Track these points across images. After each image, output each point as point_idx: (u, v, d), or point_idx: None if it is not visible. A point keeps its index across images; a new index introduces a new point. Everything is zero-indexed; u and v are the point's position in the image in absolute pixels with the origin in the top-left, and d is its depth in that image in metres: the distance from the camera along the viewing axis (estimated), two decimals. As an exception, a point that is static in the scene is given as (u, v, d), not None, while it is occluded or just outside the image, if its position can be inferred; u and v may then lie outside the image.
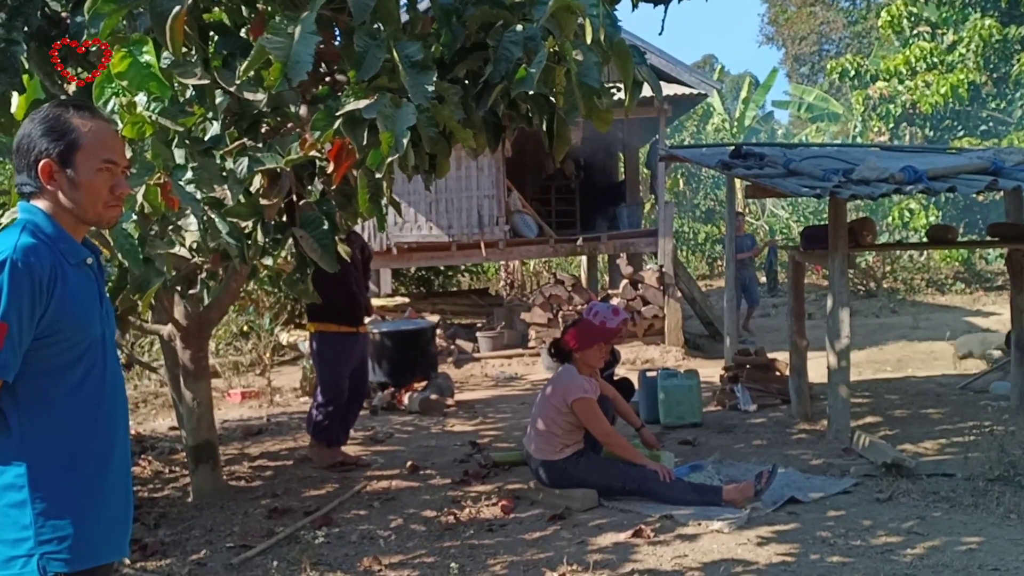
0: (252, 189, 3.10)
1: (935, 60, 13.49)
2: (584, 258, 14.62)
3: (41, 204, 1.90)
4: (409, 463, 5.65)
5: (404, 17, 3.56)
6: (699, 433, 6.16)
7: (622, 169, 14.49)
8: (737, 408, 6.82)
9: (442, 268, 15.06)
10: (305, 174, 3.12)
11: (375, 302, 12.20)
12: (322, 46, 3.73)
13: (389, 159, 2.64)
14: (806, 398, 6.34)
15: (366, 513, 4.74)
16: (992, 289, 13.60)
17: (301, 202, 3.13)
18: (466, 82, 3.44)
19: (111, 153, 1.92)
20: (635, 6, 4.93)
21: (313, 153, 2.95)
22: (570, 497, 4.57)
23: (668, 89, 10.88)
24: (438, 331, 11.44)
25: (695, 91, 11.06)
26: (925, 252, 14.05)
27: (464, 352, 11.06)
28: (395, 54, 2.74)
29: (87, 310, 1.90)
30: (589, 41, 3.09)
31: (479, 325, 12.13)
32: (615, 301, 10.79)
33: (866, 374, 8.05)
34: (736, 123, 21.54)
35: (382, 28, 3.05)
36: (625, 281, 11.11)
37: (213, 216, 2.89)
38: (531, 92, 3.37)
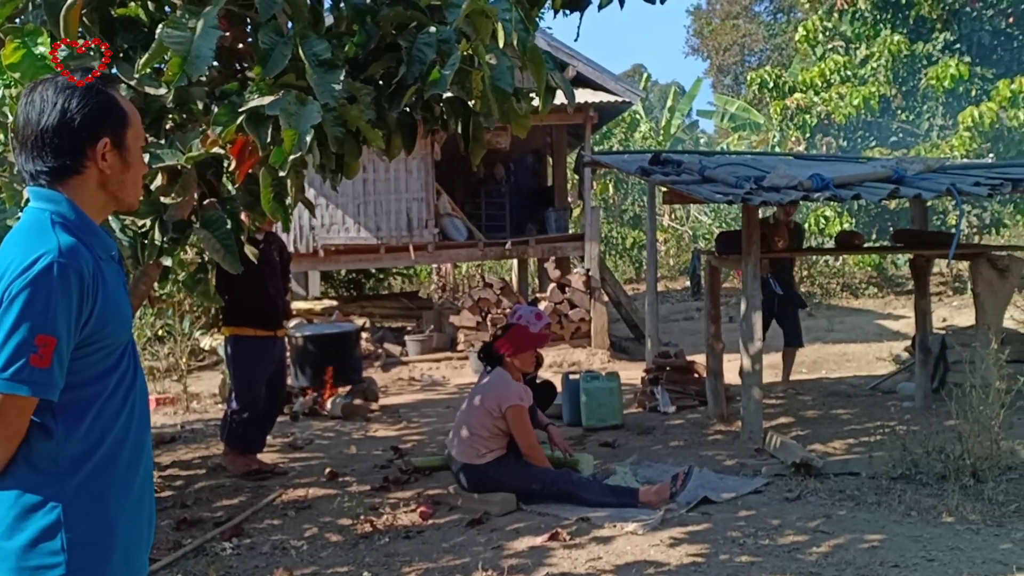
0: (153, 187, 3.00)
1: (848, 73, 13.94)
2: (515, 261, 14.66)
3: (67, 190, 1.70)
4: (328, 470, 5.56)
5: (329, 18, 3.51)
6: (620, 435, 6.22)
7: (552, 174, 14.58)
8: (657, 410, 6.91)
9: (373, 271, 14.90)
10: (209, 172, 3.04)
11: (302, 305, 12.06)
12: (240, 45, 3.66)
13: (292, 157, 2.58)
14: (722, 399, 6.47)
15: (280, 523, 4.64)
16: (902, 293, 14.12)
17: (205, 201, 3.06)
18: (380, 83, 3.41)
19: (142, 131, 1.81)
20: (556, 12, 4.97)
21: (216, 150, 2.87)
22: (489, 502, 4.56)
23: (594, 97, 10.99)
24: (366, 334, 11.34)
25: (620, 99, 11.18)
26: (840, 257, 14.51)
27: (392, 356, 10.97)
28: (301, 52, 2.69)
29: (125, 310, 1.75)
30: (502, 45, 3.09)
31: (408, 328, 12.05)
32: (543, 305, 10.85)
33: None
34: (663, 131, 21.88)
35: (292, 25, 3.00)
36: (553, 285, 11.18)
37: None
38: (445, 95, 3.36)
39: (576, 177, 14.61)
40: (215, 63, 3.60)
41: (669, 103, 22.37)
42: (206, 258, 3.43)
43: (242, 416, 5.59)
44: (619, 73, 14.58)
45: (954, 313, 11.57)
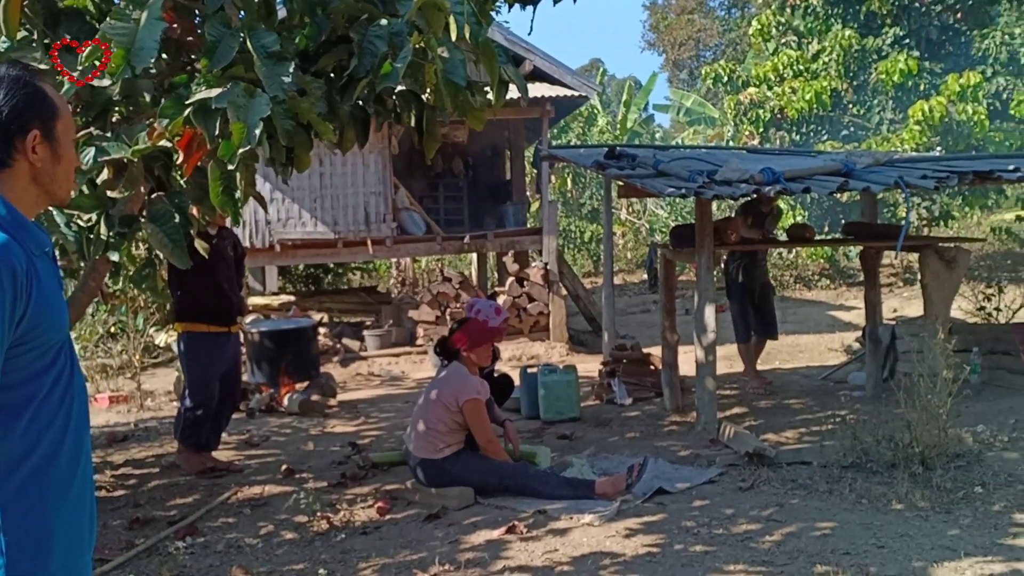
0: (99, 181, 2.94)
1: (801, 68, 14.17)
2: (474, 256, 14.66)
3: None
4: (284, 467, 5.51)
5: (283, 11, 3.46)
6: (577, 427, 6.25)
7: (510, 168, 14.59)
8: (614, 402, 6.96)
9: (331, 265, 14.79)
10: (157, 165, 2.99)
11: (258, 300, 11.92)
12: (190, 38, 3.60)
13: (241, 151, 2.55)
14: (677, 391, 6.53)
15: (235, 521, 4.59)
16: (854, 285, 14.37)
17: (153, 195, 3.01)
18: (331, 75, 3.37)
19: (73, 123, 1.76)
20: (511, 6, 4.96)
21: (164, 143, 2.82)
22: (447, 496, 4.56)
23: (551, 91, 11.01)
24: (324, 330, 11.25)
25: (577, 93, 11.22)
26: (794, 250, 14.73)
27: (350, 351, 10.90)
28: (249, 44, 2.65)
29: (60, 307, 1.69)
30: (454, 38, 3.07)
31: (367, 323, 11.98)
32: (501, 299, 10.86)
33: (737, 367, 8.34)
34: (620, 126, 22.02)
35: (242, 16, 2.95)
36: (511, 279, 11.20)
37: (51, 208, 2.73)
38: (398, 88, 3.33)
39: (535, 171, 14.64)
40: (164, 55, 3.54)
41: (625, 98, 22.51)
42: (154, 253, 3.37)
43: (196, 414, 5.52)
44: (577, 68, 14.67)
45: (904, 304, 11.80)
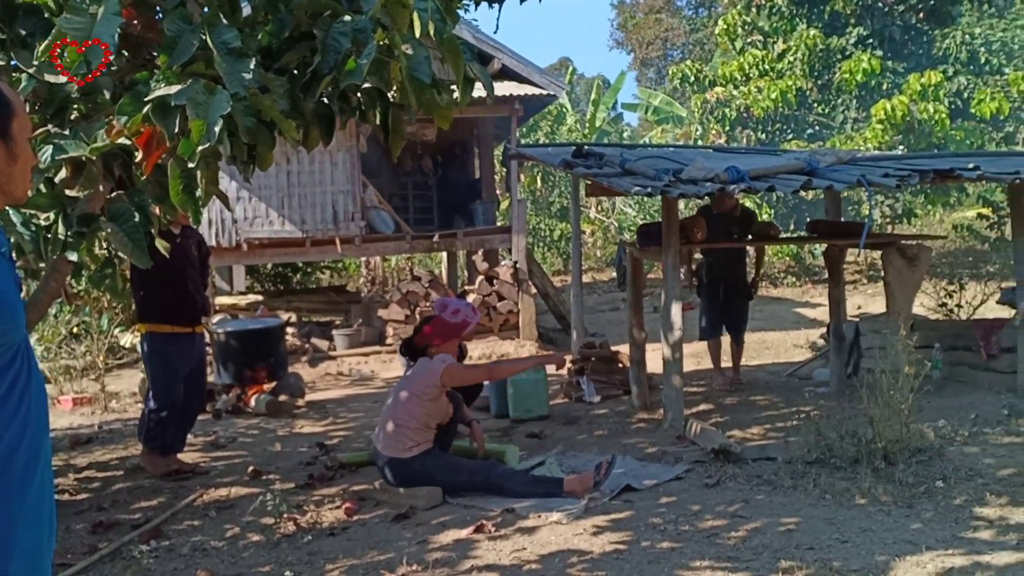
0: (57, 179, 2.89)
1: (767, 67, 14.32)
2: (445, 254, 14.63)
3: None
4: (251, 468, 5.46)
5: (247, 9, 3.42)
6: (546, 425, 6.26)
7: (479, 167, 14.58)
8: (582, 400, 6.99)
9: (300, 264, 14.68)
10: (117, 163, 2.94)
11: (226, 300, 11.82)
12: (151, 34, 3.54)
13: (201, 148, 2.52)
14: (645, 388, 6.56)
15: (200, 523, 4.53)
16: (819, 282, 14.55)
17: (113, 193, 2.96)
18: (295, 72, 3.34)
19: (29, 121, 1.73)
20: (478, 4, 4.95)
21: (123, 140, 2.78)
22: (415, 496, 4.54)
23: (520, 89, 11.02)
24: (292, 329, 11.16)
25: (546, 92, 11.23)
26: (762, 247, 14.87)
27: (319, 350, 10.83)
28: (209, 40, 2.62)
29: (16, 307, 1.66)
30: (418, 35, 3.06)
31: (336, 323, 11.91)
32: (471, 297, 10.85)
33: (704, 364, 8.41)
34: (588, 124, 22.09)
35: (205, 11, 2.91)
36: (481, 277, 11.19)
37: (7, 207, 2.67)
38: (364, 85, 3.31)
39: (504, 170, 14.65)
40: (124, 52, 3.48)
41: (594, 96, 22.60)
42: (114, 253, 3.32)
43: (160, 415, 5.45)
44: (546, 66, 14.68)
45: (868, 301, 11.97)
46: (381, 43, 3.17)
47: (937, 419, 5.33)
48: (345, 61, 3.04)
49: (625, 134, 25.52)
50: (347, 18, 3.07)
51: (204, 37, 2.74)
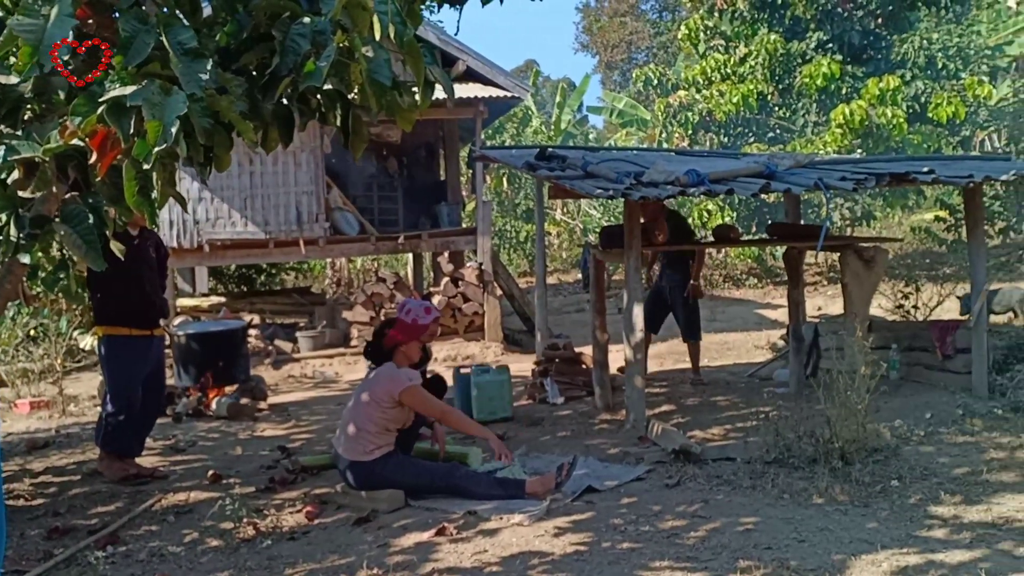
0: (9, 180, 2.83)
1: (728, 71, 14.47)
2: (411, 256, 14.59)
3: None
4: (210, 472, 5.41)
5: (208, 10, 3.39)
6: (510, 427, 6.28)
7: (444, 168, 14.55)
8: (546, 401, 7.01)
9: (265, 266, 14.55)
10: (71, 164, 2.89)
11: (188, 302, 11.68)
12: (107, 34, 3.49)
13: (157, 149, 2.49)
14: (608, 389, 6.60)
15: (158, 529, 4.49)
16: (781, 283, 14.74)
17: (67, 195, 2.91)
18: (253, 74, 3.31)
19: None
20: (440, 6, 4.94)
21: (76, 141, 2.74)
22: (376, 499, 4.53)
23: (484, 91, 11.02)
24: (255, 331, 11.06)
25: (510, 94, 11.25)
26: (723, 249, 15.05)
27: (283, 352, 10.76)
28: (165, 40, 2.59)
29: None
30: (378, 37, 3.05)
31: (301, 324, 11.82)
32: (436, 299, 10.83)
33: (667, 364, 8.48)
34: (554, 127, 22.16)
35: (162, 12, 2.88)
36: (446, 279, 11.17)
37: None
38: (321, 87, 3.29)
39: (470, 171, 14.64)
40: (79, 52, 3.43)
41: (559, 99, 22.67)
42: (67, 255, 3.27)
43: (117, 419, 5.39)
44: (512, 68, 14.75)
45: (829, 302, 12.14)
46: (341, 45, 3.16)
47: (894, 419, 5.42)
48: (304, 63, 3.02)
49: (591, 136, 25.64)
50: (306, 20, 3.05)
51: (160, 37, 2.71)
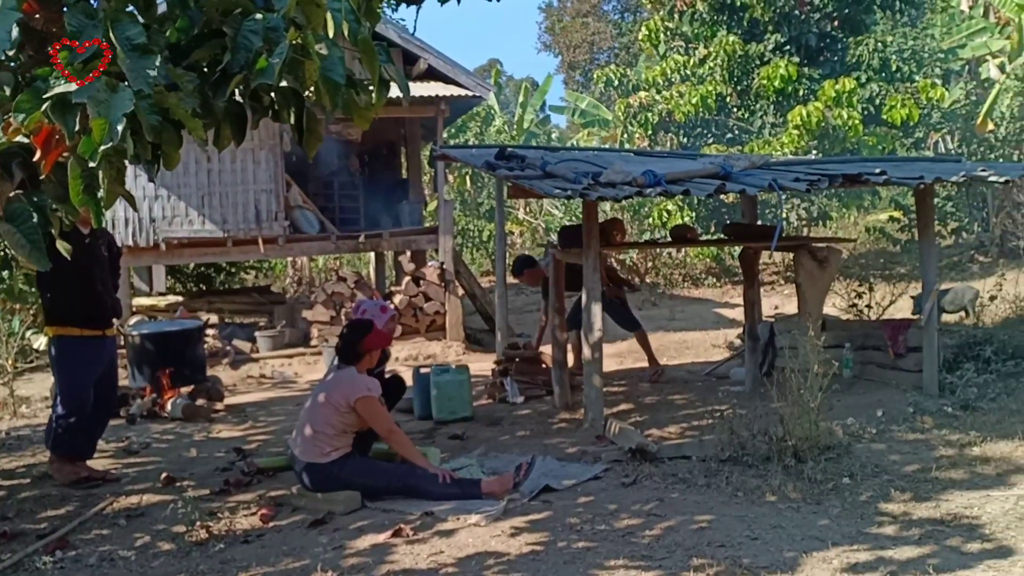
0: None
1: (688, 72, 14.59)
2: (373, 255, 14.51)
3: None
4: (164, 475, 5.33)
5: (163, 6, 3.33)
6: (469, 427, 6.27)
7: (406, 167, 14.49)
8: (506, 400, 7.01)
9: (224, 265, 14.36)
10: (16, 162, 2.82)
11: (144, 301, 11.49)
12: (55, 28, 3.41)
13: (103, 147, 2.44)
14: (567, 389, 6.62)
15: (109, 533, 4.41)
16: (739, 283, 14.84)
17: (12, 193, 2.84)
18: (205, 70, 3.26)
19: None
20: (398, 5, 4.91)
21: (20, 138, 2.67)
22: (333, 501, 4.49)
23: (446, 90, 10.98)
24: (213, 331, 10.92)
25: (472, 93, 11.22)
26: (683, 249, 15.17)
27: (241, 353, 10.62)
28: (112, 35, 2.54)
29: None
30: (332, 35, 3.02)
31: (260, 324, 11.68)
32: (398, 298, 10.78)
33: (627, 363, 8.53)
34: (517, 126, 22.17)
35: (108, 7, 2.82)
36: (407, 278, 11.12)
37: None
38: (274, 84, 3.25)
39: (432, 170, 14.59)
40: (26, 46, 3.35)
41: (522, 99, 22.69)
42: (11, 255, 3.19)
43: (68, 421, 5.28)
44: (475, 68, 14.73)
45: (786, 301, 12.29)
46: (295, 42, 3.13)
47: (846, 417, 5.50)
48: (256, 59, 2.98)
49: (553, 136, 25.69)
50: (259, 16, 3.01)
51: (108, 33, 2.66)
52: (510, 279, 8.44)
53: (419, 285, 10.97)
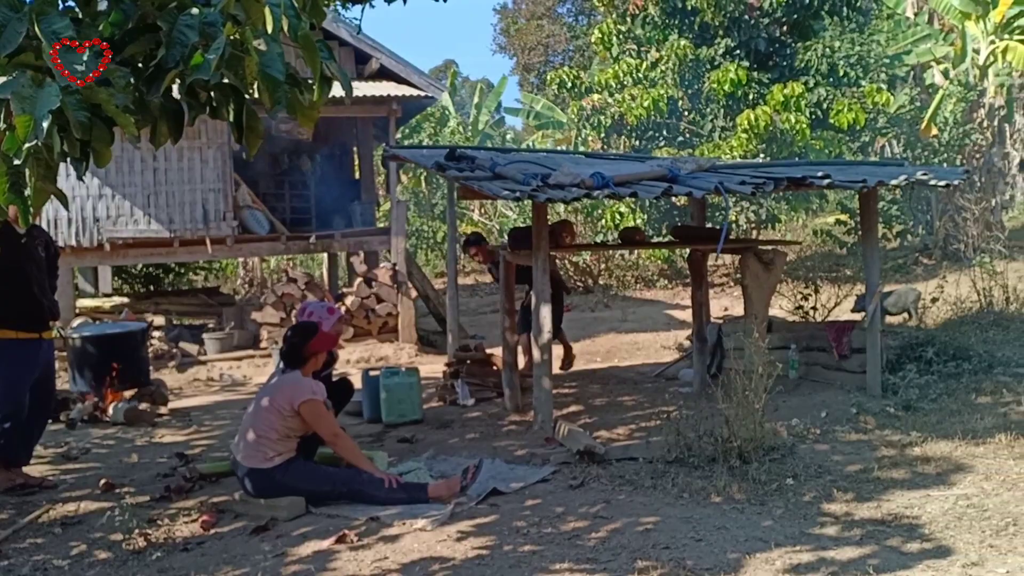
0: None
1: (640, 76, 14.68)
2: (326, 256, 14.34)
3: None
4: (103, 481, 5.19)
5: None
6: (419, 429, 6.22)
7: (359, 167, 14.36)
8: (457, 403, 6.97)
9: (173, 265, 14.08)
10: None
11: (89, 303, 11.22)
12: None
13: (27, 145, 2.35)
14: (517, 391, 6.61)
15: (44, 541, 4.29)
16: (690, 285, 15.04)
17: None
18: (139, 65, 3.18)
19: None
20: (347, 4, 4.84)
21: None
22: (276, 507, 4.41)
23: (398, 90, 10.92)
24: (159, 333, 10.70)
25: (424, 93, 11.17)
26: (635, 251, 15.26)
27: (188, 355, 10.42)
28: (37, 29, 2.45)
29: None
30: (270, 30, 2.96)
31: (209, 326, 11.47)
32: (349, 299, 10.67)
33: (579, 365, 8.54)
34: (472, 128, 22.13)
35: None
36: (359, 279, 11.02)
37: None
38: (212, 81, 3.18)
39: (385, 171, 14.49)
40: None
41: (476, 100, 22.66)
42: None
43: (3, 426, 5.12)
44: (431, 68, 14.68)
45: (735, 302, 12.40)
46: (233, 38, 3.06)
47: (791, 418, 5.56)
48: (192, 55, 2.91)
49: (508, 138, 25.69)
50: (195, 11, 2.94)
51: (34, 26, 2.57)
52: (462, 258, 8.48)
53: (371, 286, 10.88)
